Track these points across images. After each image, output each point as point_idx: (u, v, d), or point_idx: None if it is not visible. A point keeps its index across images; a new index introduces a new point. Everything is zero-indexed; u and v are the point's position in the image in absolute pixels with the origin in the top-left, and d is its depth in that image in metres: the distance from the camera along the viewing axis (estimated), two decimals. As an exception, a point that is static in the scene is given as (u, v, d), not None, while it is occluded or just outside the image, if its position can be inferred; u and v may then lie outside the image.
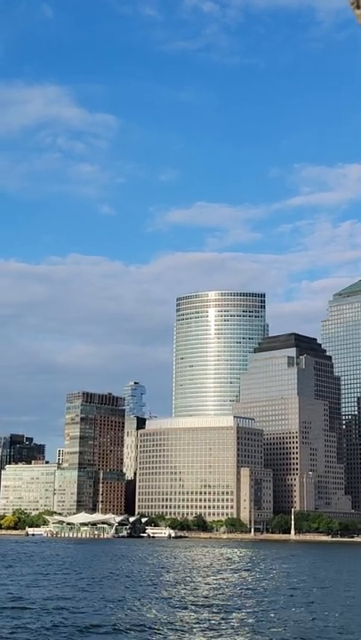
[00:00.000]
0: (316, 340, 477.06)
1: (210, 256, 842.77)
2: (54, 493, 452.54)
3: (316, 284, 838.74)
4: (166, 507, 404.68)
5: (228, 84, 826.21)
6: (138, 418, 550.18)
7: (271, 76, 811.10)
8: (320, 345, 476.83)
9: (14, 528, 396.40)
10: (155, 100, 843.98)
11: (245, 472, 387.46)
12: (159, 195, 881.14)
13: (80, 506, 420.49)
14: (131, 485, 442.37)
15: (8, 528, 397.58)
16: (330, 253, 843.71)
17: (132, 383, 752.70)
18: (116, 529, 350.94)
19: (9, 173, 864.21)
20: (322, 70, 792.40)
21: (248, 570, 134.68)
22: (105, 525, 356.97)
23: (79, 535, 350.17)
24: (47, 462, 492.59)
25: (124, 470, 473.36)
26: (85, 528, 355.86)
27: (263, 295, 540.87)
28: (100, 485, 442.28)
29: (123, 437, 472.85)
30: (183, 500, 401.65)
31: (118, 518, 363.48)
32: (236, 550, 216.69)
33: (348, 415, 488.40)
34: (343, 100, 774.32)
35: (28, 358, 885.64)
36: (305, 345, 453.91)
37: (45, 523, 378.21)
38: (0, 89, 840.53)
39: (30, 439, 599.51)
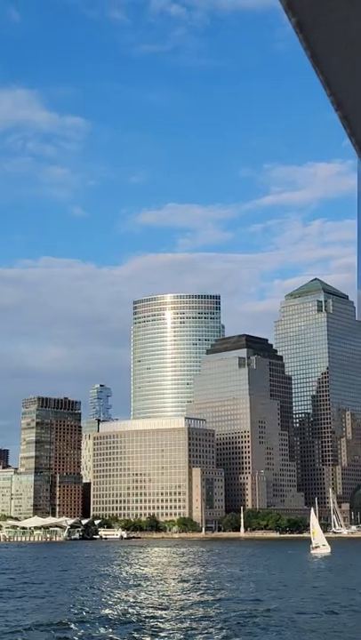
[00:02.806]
0: (267, 340, 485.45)
1: (181, 257, 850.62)
2: (11, 498, 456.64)
3: (287, 283, 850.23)
4: (121, 508, 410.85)
5: (198, 86, 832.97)
6: (98, 421, 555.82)
7: (240, 76, 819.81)
8: (271, 345, 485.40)
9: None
10: (124, 103, 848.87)
11: (197, 472, 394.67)
12: (130, 196, 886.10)
13: (37, 510, 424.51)
14: (89, 488, 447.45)
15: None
16: (301, 252, 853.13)
17: (98, 386, 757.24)
18: (69, 531, 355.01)
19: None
20: (290, 70, 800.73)
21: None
22: (57, 529, 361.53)
23: (32, 539, 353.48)
24: (5, 468, 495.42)
25: (84, 473, 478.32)
26: (38, 532, 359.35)
27: (218, 297, 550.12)
28: (57, 489, 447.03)
29: (80, 441, 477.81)
30: (137, 501, 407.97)
31: (70, 521, 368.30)
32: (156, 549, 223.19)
33: (300, 414, 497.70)
34: (312, 99, 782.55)
35: (1, 363, 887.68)
36: (256, 346, 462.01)
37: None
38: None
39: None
